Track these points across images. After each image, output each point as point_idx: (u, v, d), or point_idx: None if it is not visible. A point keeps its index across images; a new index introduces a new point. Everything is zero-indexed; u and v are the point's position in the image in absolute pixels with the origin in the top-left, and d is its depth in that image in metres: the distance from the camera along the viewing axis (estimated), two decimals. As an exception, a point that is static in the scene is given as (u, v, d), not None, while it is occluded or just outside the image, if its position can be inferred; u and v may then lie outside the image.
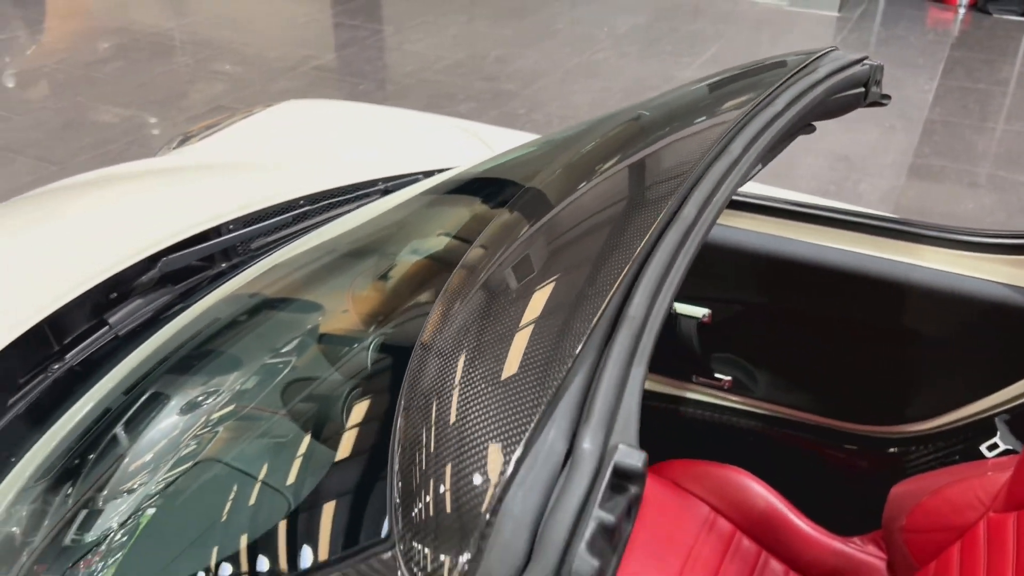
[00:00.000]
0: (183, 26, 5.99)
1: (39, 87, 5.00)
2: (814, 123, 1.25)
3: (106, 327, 1.38)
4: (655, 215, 0.74)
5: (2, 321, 1.31)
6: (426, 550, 0.51)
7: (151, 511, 0.85)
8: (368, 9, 6.40)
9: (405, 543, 0.52)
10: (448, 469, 0.54)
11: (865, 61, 1.21)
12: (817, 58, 1.17)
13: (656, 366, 1.84)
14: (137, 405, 1.08)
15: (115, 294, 1.42)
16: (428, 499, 0.53)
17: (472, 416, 0.56)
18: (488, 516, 0.49)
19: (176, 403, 1.04)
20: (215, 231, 1.53)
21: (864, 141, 4.17)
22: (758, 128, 0.92)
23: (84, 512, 0.92)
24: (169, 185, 1.80)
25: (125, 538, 0.83)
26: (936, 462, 1.63)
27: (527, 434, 0.52)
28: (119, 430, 1.04)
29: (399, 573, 0.51)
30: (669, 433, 1.87)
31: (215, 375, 1.04)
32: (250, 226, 1.55)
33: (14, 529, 0.98)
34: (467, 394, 0.59)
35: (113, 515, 0.89)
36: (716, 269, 1.67)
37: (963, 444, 1.58)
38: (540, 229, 0.82)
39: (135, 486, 0.91)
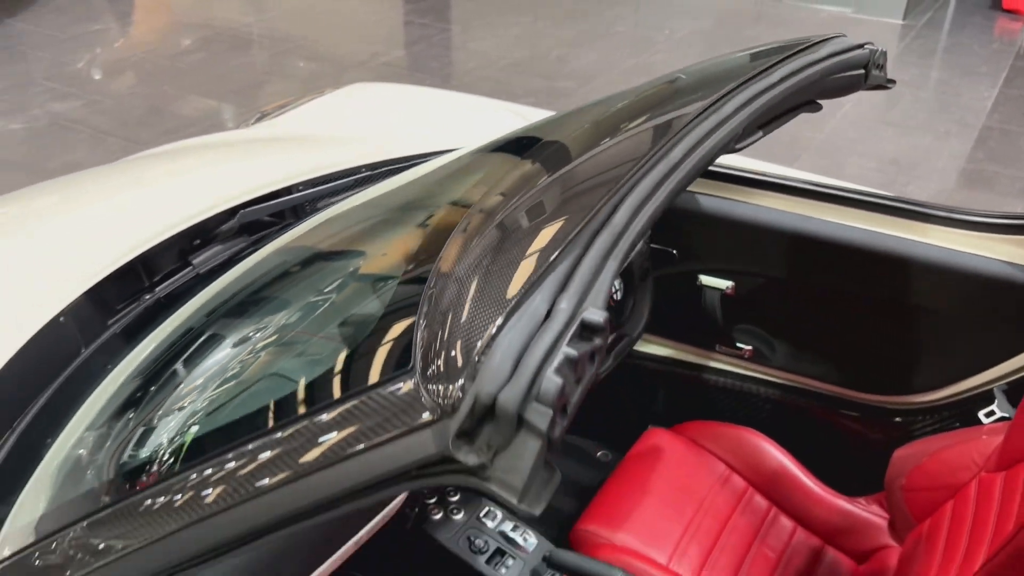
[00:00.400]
0: (260, 22, 6.30)
1: (128, 75, 5.34)
2: (819, 101, 1.38)
3: (190, 267, 1.58)
4: (645, 155, 0.89)
5: (103, 259, 1.51)
6: (439, 384, 0.67)
7: (214, 401, 1.02)
8: (438, 8, 6.62)
9: (424, 378, 0.68)
10: (458, 332, 0.70)
11: (867, 46, 1.33)
12: (821, 41, 1.29)
13: (682, 335, 1.98)
14: (194, 346, 1.24)
15: (198, 240, 1.62)
16: (441, 350, 0.69)
17: (478, 292, 0.72)
18: (484, 349, 0.65)
19: (230, 338, 1.21)
20: (287, 190, 1.72)
21: (917, 145, 4.22)
22: (751, 95, 1.06)
23: (141, 431, 1.09)
24: (247, 152, 2.00)
25: (174, 452, 0.97)
26: (939, 431, 1.73)
27: (517, 298, 0.68)
28: (178, 365, 1.21)
29: (422, 398, 0.67)
30: (692, 397, 2.00)
31: (266, 312, 1.21)
32: (317, 187, 1.74)
33: (81, 451, 1.15)
34: (477, 280, 0.75)
35: (164, 432, 1.05)
36: (740, 244, 1.80)
37: (964, 415, 1.68)
38: (551, 169, 0.98)
39: (185, 405, 1.08)
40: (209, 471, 0.76)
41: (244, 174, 1.84)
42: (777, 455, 1.79)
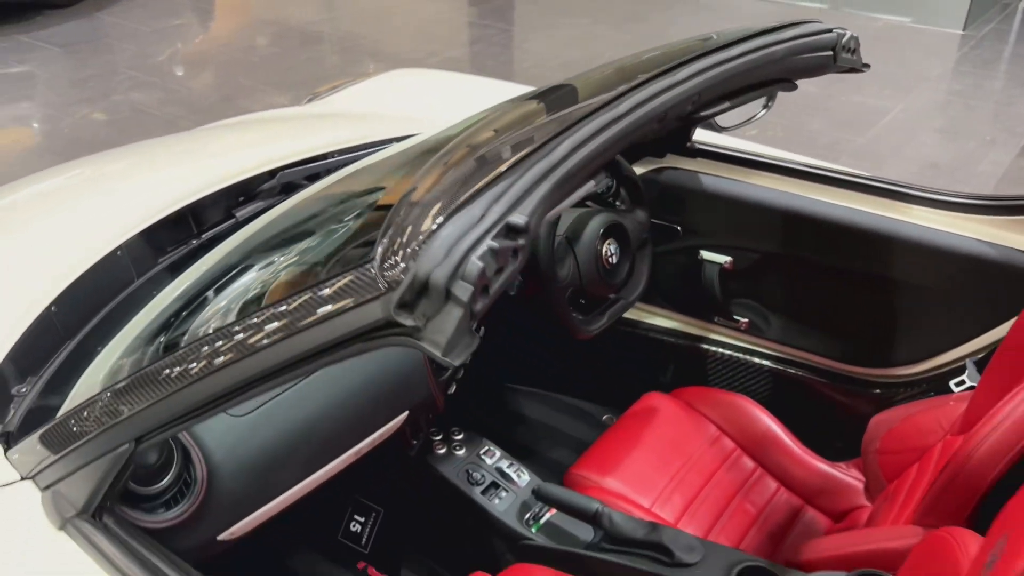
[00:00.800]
0: (329, 20, 6.61)
1: (203, 66, 5.68)
2: (794, 80, 1.50)
3: (233, 219, 1.78)
4: (595, 105, 1.04)
5: (158, 207, 1.73)
6: (391, 270, 0.83)
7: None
8: (501, 10, 6.83)
9: (381, 267, 0.85)
10: (411, 235, 0.86)
11: (835, 30, 1.45)
12: (791, 24, 1.42)
13: (684, 308, 2.11)
14: (223, 279, 1.41)
15: (243, 197, 1.83)
16: (399, 249, 0.85)
17: (432, 205, 0.88)
18: (424, 240, 0.82)
19: (250, 269, 1.38)
20: (323, 156, 1.92)
21: (960, 151, 4.23)
22: (708, 64, 1.20)
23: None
24: (296, 125, 2.22)
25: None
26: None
27: (458, 204, 0.85)
28: (210, 293, 1.38)
29: (378, 281, 0.84)
30: (692, 366, 2.13)
31: (282, 244, 1.38)
32: (350, 154, 1.93)
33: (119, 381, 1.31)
34: (430, 196, 0.91)
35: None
36: (737, 220, 1.93)
37: (940, 388, 1.77)
38: (529, 118, 1.13)
39: (210, 327, 1.25)
40: (207, 346, 0.94)
41: (290, 142, 2.04)
42: (766, 420, 1.90)
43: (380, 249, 0.85)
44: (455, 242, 0.81)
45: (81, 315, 1.45)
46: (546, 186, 0.90)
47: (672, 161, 1.99)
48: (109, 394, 1.03)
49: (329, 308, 0.85)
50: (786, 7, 6.53)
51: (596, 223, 1.75)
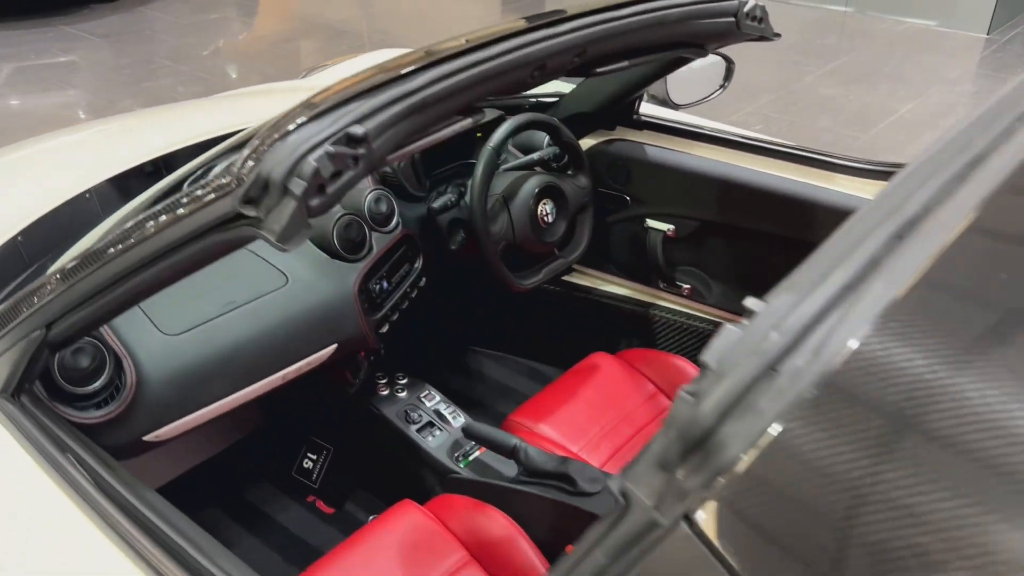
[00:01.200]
0: (364, 18, 6.82)
1: (233, 57, 5.91)
2: (705, 47, 1.58)
3: (201, 172, 1.93)
4: (467, 46, 1.15)
5: (137, 154, 1.88)
6: (243, 170, 0.95)
7: None
8: (531, 11, 6.97)
9: (241, 168, 0.97)
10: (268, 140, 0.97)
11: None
12: None
13: (633, 275, 2.21)
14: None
15: (213, 153, 1.98)
16: (259, 147, 0.97)
17: (298, 116, 1.00)
18: (271, 144, 0.94)
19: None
20: (291, 119, 2.06)
21: (965, 151, 4.23)
22: (594, 20, 1.30)
23: None
24: (282, 95, 2.38)
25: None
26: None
27: (309, 116, 0.97)
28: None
29: (233, 181, 0.96)
30: (640, 330, 2.23)
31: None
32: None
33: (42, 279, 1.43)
34: (305, 110, 1.02)
35: None
36: (678, 189, 2.02)
37: None
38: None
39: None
40: (107, 243, 1.08)
41: (269, 108, 2.19)
42: None
43: (246, 151, 0.97)
44: (298, 146, 0.93)
45: (44, 246, 1.60)
46: (396, 108, 1.02)
47: (621, 133, 2.09)
48: (31, 292, 1.18)
49: (195, 204, 0.98)
50: (809, 10, 6.55)
51: (532, 183, 1.86)
